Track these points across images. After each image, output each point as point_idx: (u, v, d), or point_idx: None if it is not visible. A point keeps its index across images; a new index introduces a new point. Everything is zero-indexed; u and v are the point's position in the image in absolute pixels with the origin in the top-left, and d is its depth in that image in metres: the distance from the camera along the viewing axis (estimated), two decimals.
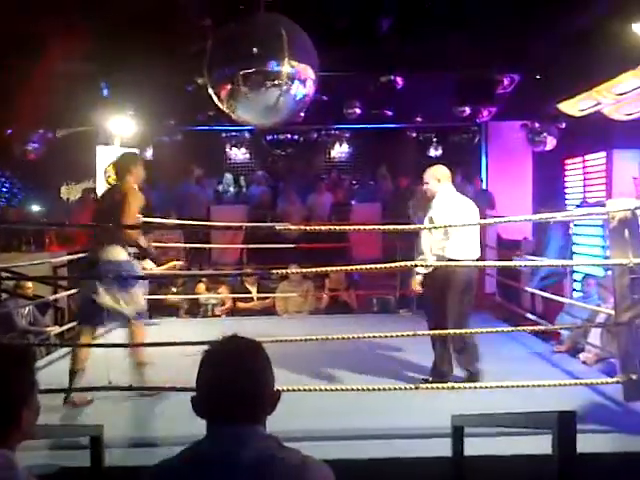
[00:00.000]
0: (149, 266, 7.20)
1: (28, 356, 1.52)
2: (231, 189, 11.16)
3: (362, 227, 4.78)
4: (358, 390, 3.65)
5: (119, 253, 3.99)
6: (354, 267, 4.44)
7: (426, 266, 4.18)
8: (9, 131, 8.12)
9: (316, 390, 3.65)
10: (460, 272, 4.21)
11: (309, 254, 7.81)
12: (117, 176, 4.30)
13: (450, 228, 4.14)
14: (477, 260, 4.48)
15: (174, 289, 7.86)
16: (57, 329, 6.21)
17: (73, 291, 6.70)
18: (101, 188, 6.56)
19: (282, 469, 1.34)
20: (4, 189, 10.48)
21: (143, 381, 3.92)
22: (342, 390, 3.69)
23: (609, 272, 4.83)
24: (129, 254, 4.09)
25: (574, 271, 6.84)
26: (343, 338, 4.55)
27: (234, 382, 1.39)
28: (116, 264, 3.95)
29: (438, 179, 4.39)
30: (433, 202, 4.33)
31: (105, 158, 6.58)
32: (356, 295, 8.14)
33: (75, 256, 6.97)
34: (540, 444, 2.15)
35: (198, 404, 1.43)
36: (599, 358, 5.00)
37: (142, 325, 4.16)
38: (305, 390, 3.60)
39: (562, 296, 6.28)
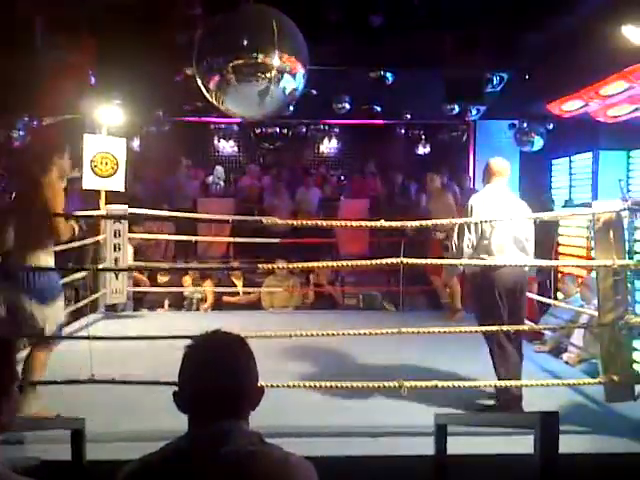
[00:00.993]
0: (130, 252, 7.15)
1: (9, 346, 1.49)
2: (221, 182, 11.08)
3: (349, 223, 4.77)
4: (342, 388, 3.65)
5: (46, 261, 3.60)
6: (342, 263, 4.43)
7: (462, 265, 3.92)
8: None
9: (300, 387, 3.65)
10: (501, 273, 3.81)
11: (296, 249, 7.80)
12: (38, 167, 3.70)
13: (487, 226, 3.83)
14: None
15: (159, 280, 7.82)
16: None
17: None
18: (87, 178, 6.48)
19: (264, 466, 1.33)
20: None
21: (32, 412, 3.37)
22: (326, 387, 3.69)
23: (592, 273, 4.88)
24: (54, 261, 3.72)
25: (558, 271, 6.89)
26: (328, 334, 4.55)
27: (216, 378, 1.38)
28: (43, 275, 3.55)
29: (487, 173, 4.10)
30: (471, 198, 4.08)
31: (92, 147, 6.50)
32: (342, 291, 8.14)
33: (62, 247, 6.90)
34: (522, 443, 2.16)
35: (180, 400, 1.42)
36: (581, 359, 5.05)
37: (52, 348, 3.67)
38: (289, 386, 3.59)
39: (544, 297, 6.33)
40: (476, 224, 3.88)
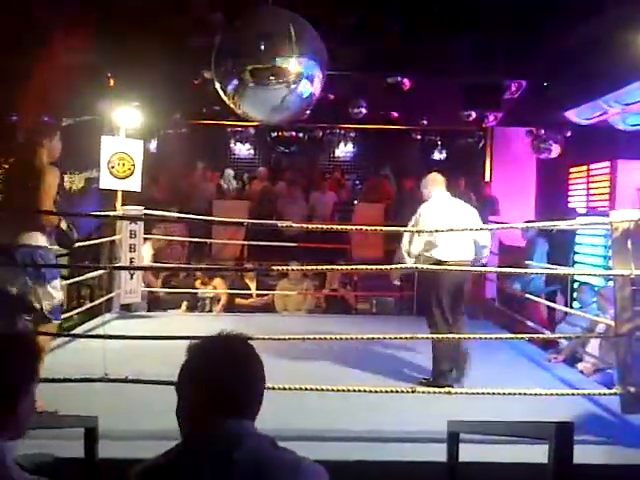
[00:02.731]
0: (149, 252, 7.20)
1: (33, 344, 1.50)
2: (232, 185, 11.12)
3: (364, 227, 4.76)
4: (354, 391, 3.64)
5: (38, 239, 3.54)
6: (356, 267, 4.43)
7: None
8: (14, 118, 8.11)
9: (311, 390, 3.64)
10: (446, 274, 4.28)
11: (310, 253, 7.81)
12: (27, 149, 3.74)
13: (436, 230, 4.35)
14: (473, 262, 4.52)
15: (174, 282, 7.86)
16: None
17: (73, 280, 6.70)
18: (104, 178, 6.55)
19: (276, 469, 1.33)
20: None
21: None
22: (338, 391, 3.68)
23: (610, 282, 4.83)
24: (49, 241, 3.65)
25: (574, 280, 6.84)
26: (341, 339, 4.54)
27: (223, 379, 1.38)
28: (34, 250, 3.50)
29: (426, 186, 4.71)
30: (420, 206, 4.61)
31: (110, 148, 6.57)
32: (355, 295, 8.13)
33: (76, 244, 6.95)
34: (536, 453, 2.14)
35: (181, 402, 1.44)
36: (597, 368, 5.00)
37: (53, 326, 3.65)
38: (300, 389, 3.59)
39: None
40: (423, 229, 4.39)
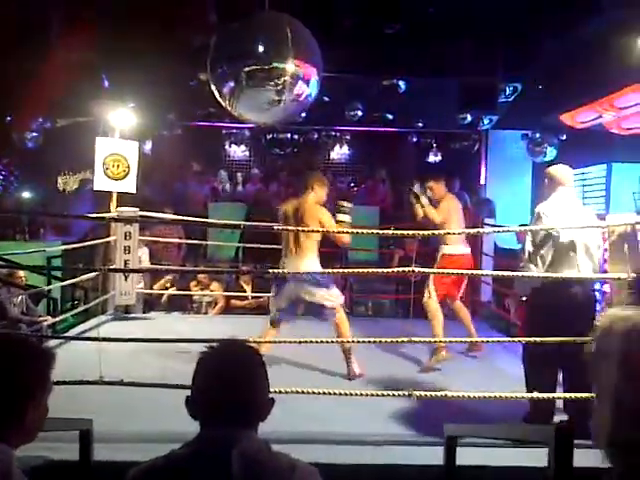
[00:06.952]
0: (145, 257, 7.18)
1: (45, 353, 1.48)
2: (226, 186, 11.09)
3: (360, 231, 4.76)
4: (351, 395, 3.62)
5: (318, 264, 4.59)
6: (352, 270, 4.41)
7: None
8: (8, 119, 8.07)
9: (307, 393, 3.61)
10: (576, 289, 3.52)
11: None
12: (304, 191, 4.71)
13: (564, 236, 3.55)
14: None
15: (167, 285, 7.83)
16: (50, 319, 6.15)
17: (67, 282, 6.67)
18: (98, 180, 6.51)
19: (271, 473, 1.34)
20: (1, 177, 10.41)
21: (350, 365, 4.60)
22: (334, 394, 3.66)
23: (605, 286, 4.83)
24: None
25: None
26: (337, 342, 4.53)
27: (230, 390, 1.40)
28: (319, 273, 4.54)
29: (551, 179, 3.81)
30: (539, 206, 3.78)
31: (104, 150, 6.52)
32: (350, 298, 8.11)
33: (70, 246, 6.93)
34: (535, 456, 2.13)
35: (192, 406, 1.43)
36: None
37: (344, 315, 4.77)
38: (296, 393, 3.56)
39: None
40: (550, 234, 3.58)
